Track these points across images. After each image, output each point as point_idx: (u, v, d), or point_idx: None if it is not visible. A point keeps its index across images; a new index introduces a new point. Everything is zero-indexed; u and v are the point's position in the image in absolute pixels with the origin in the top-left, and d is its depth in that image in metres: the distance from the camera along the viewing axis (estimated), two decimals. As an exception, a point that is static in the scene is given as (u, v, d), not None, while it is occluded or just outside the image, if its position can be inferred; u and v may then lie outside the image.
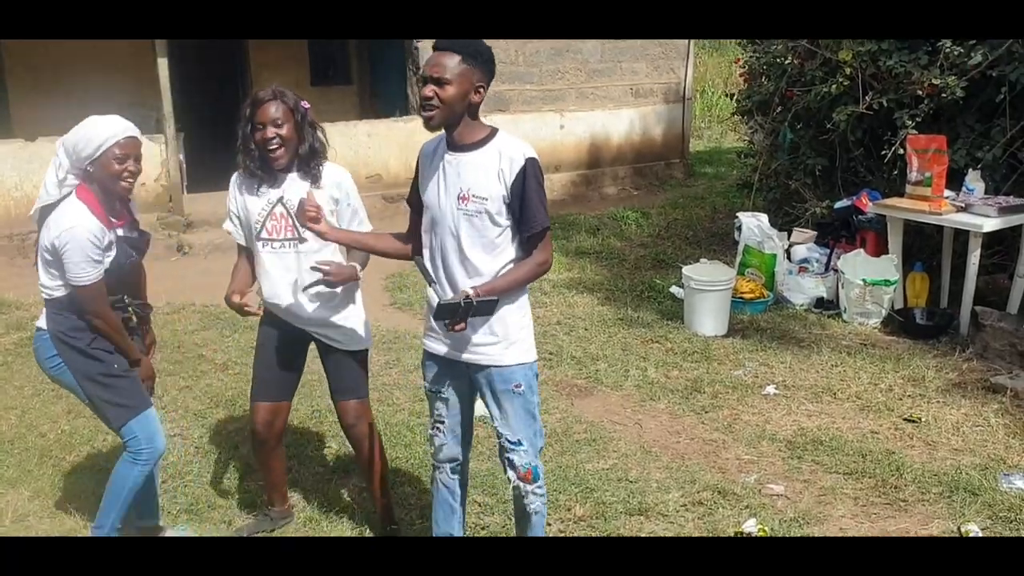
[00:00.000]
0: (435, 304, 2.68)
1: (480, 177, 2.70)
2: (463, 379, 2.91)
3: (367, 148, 9.78)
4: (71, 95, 9.41)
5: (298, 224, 3.13)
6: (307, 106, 3.20)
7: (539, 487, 2.91)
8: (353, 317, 3.35)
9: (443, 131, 2.75)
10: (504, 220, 2.72)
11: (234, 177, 3.29)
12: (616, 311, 6.25)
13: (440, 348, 2.88)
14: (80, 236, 2.87)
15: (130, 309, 3.28)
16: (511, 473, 2.90)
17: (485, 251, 2.74)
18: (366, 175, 9.81)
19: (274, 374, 3.41)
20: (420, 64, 10.01)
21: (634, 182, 11.69)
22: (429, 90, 2.64)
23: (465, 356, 2.84)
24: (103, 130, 2.93)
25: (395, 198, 10.01)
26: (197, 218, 8.72)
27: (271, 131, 3.08)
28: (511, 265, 2.79)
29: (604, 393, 4.92)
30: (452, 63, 2.63)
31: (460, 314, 2.63)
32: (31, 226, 8.73)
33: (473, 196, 2.69)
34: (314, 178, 3.19)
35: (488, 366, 2.83)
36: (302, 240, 3.19)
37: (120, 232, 3.08)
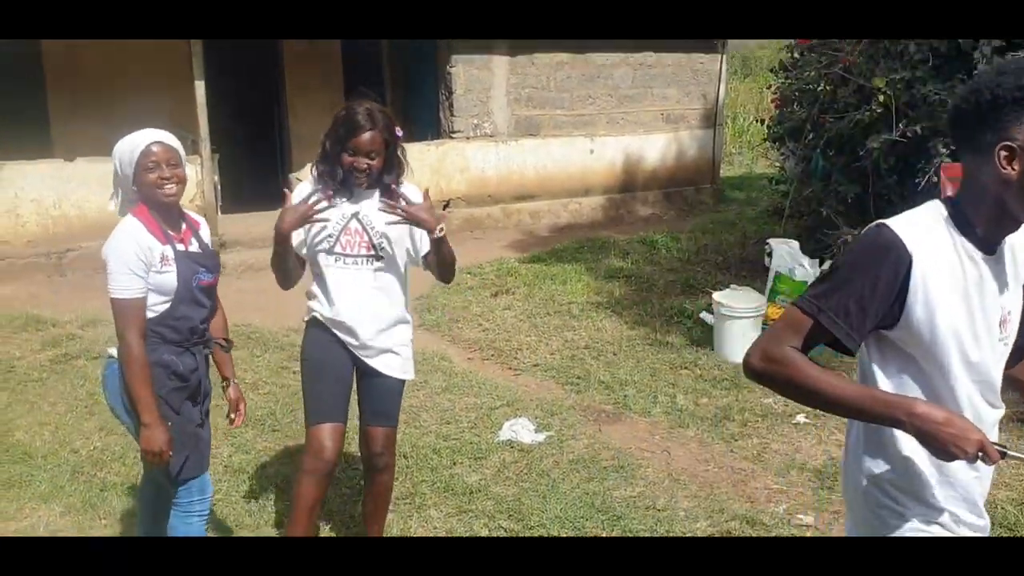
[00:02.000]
0: None
1: (1012, 286, 1.83)
2: None
3: (399, 171, 9.85)
4: (110, 116, 9.60)
5: (375, 242, 3.09)
6: (400, 133, 3.12)
7: None
8: (408, 344, 3.30)
9: (937, 223, 1.80)
10: None
11: (304, 186, 3.15)
12: (645, 336, 6.23)
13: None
14: (123, 246, 2.74)
15: (211, 344, 3.06)
16: None
17: None
18: (397, 197, 9.88)
19: (334, 393, 3.20)
20: (453, 89, 10.11)
21: (664, 206, 11.68)
22: None
23: None
24: (128, 146, 2.80)
25: (425, 221, 10.07)
26: (230, 238, 8.82)
27: (363, 162, 3.00)
28: None
29: (632, 419, 4.89)
30: None
31: None
32: (69, 244, 8.88)
33: (1009, 317, 1.83)
34: (392, 197, 3.07)
35: None
36: (379, 257, 3.12)
37: (181, 247, 2.89)
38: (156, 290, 2.81)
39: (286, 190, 3.13)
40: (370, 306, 3.15)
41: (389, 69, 11.90)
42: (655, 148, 11.59)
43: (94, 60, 9.97)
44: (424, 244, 3.18)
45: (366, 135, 2.98)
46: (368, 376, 3.25)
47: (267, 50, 11.24)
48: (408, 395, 5.16)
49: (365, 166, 3.00)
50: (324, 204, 2.99)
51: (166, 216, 2.86)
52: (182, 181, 2.85)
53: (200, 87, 8.70)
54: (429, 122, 10.79)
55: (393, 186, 3.13)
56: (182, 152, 2.89)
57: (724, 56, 11.87)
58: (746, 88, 21.85)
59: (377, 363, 3.21)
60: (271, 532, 3.75)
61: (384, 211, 3.01)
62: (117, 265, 2.73)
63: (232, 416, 3.21)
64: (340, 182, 3.07)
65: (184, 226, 2.94)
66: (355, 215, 3.10)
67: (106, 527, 3.78)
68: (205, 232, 3.05)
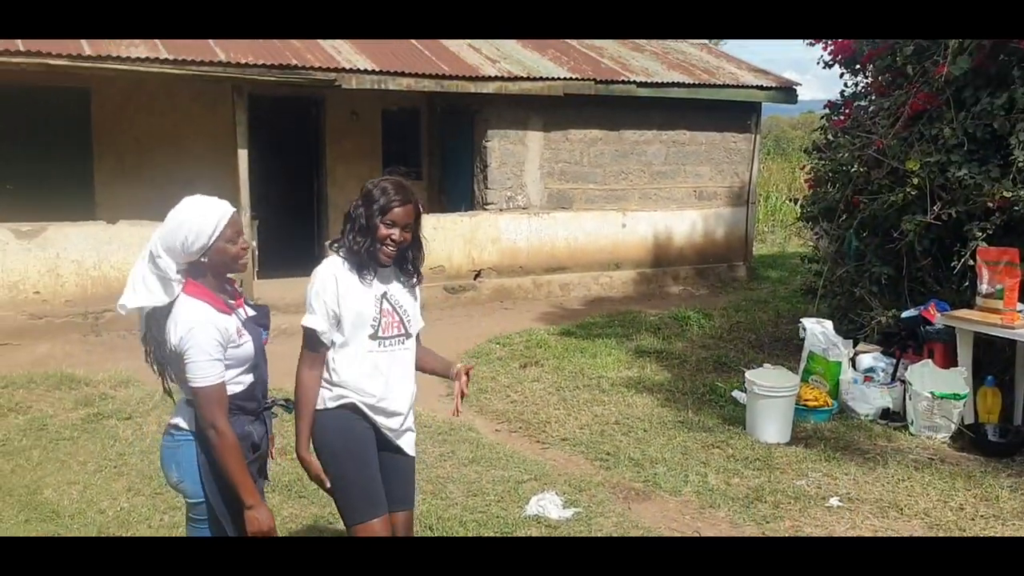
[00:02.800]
0: None
1: None
2: None
3: (432, 240, 9.82)
4: (154, 182, 9.90)
5: (405, 321, 3.09)
6: (421, 209, 3.14)
7: None
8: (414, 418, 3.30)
9: None
10: None
11: (332, 268, 3.02)
12: (676, 413, 6.17)
13: None
14: (201, 334, 2.65)
15: (273, 407, 3.03)
16: None
17: None
18: (430, 266, 9.98)
19: (377, 483, 3.08)
20: (488, 162, 10.27)
21: (696, 282, 11.67)
22: None
23: None
24: (210, 216, 2.71)
25: (456, 289, 10.15)
26: (266, 303, 8.90)
27: (399, 234, 2.98)
28: None
29: (662, 498, 4.81)
30: None
31: None
32: (106, 304, 9.00)
33: None
34: (413, 274, 3.15)
35: None
36: (408, 336, 3.13)
37: (243, 314, 2.85)
38: (235, 363, 2.75)
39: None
40: (406, 387, 3.15)
41: (427, 141, 12.14)
42: (687, 224, 11.65)
43: (141, 125, 10.29)
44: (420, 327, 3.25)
45: (404, 208, 2.98)
46: (388, 458, 3.15)
47: (310, 121, 11.52)
48: (435, 466, 5.15)
49: (401, 238, 2.99)
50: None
51: (219, 286, 2.82)
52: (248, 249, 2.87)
53: (243, 156, 8.92)
54: (464, 193, 10.95)
55: (416, 265, 3.15)
56: None
57: (757, 135, 11.99)
58: (779, 167, 21.98)
59: (403, 443, 3.18)
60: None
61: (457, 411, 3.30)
62: (198, 354, 2.65)
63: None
64: (370, 257, 3.01)
65: (233, 290, 2.92)
66: (384, 296, 3.06)
67: (129, 590, 3.75)
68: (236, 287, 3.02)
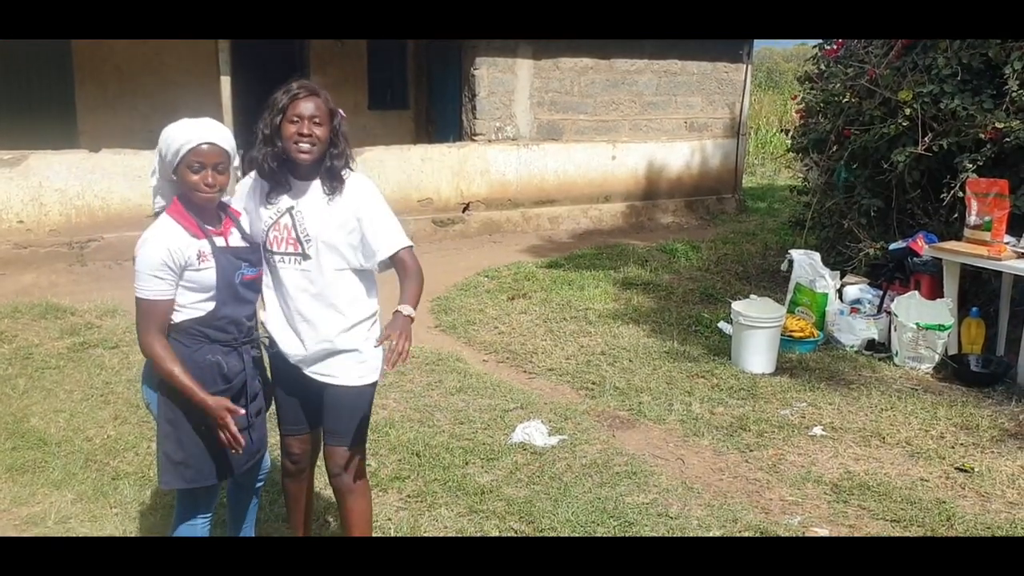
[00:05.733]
0: None
1: None
2: None
3: (420, 172, 9.88)
4: (136, 109, 9.72)
5: (302, 240, 2.82)
6: (343, 115, 2.89)
7: None
8: (357, 349, 2.92)
9: None
10: None
11: (247, 180, 2.93)
12: (662, 344, 6.19)
13: None
14: (150, 249, 2.65)
15: (258, 344, 2.98)
16: None
17: None
18: (418, 199, 9.90)
19: (290, 404, 3.05)
20: (476, 91, 10.11)
21: (685, 215, 11.64)
22: None
23: None
24: (179, 136, 2.67)
25: (444, 222, 10.09)
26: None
27: (307, 126, 2.73)
28: None
29: (647, 426, 4.86)
30: None
31: None
32: (91, 234, 8.93)
33: None
34: (333, 189, 2.83)
35: None
36: (306, 257, 2.83)
37: (222, 242, 2.78)
38: (197, 288, 2.73)
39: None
40: (299, 310, 2.87)
41: (413, 69, 11.94)
42: (678, 156, 11.57)
43: (123, 54, 10.07)
44: (381, 254, 2.85)
45: (310, 100, 2.75)
46: (317, 386, 2.95)
47: (293, 48, 11.29)
48: (423, 395, 5.17)
49: (309, 131, 2.73)
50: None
51: (203, 210, 2.78)
52: (223, 188, 2.76)
53: (226, 83, 8.77)
54: (451, 124, 10.81)
55: (336, 179, 2.84)
56: (232, 151, 2.77)
57: (749, 66, 11.84)
58: (770, 99, 21.80)
59: (316, 371, 2.92)
60: (277, 524, 3.74)
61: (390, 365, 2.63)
62: (142, 266, 2.66)
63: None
64: (281, 165, 2.80)
65: (224, 218, 2.85)
66: (289, 210, 2.83)
67: (116, 515, 3.78)
68: (246, 222, 2.93)
